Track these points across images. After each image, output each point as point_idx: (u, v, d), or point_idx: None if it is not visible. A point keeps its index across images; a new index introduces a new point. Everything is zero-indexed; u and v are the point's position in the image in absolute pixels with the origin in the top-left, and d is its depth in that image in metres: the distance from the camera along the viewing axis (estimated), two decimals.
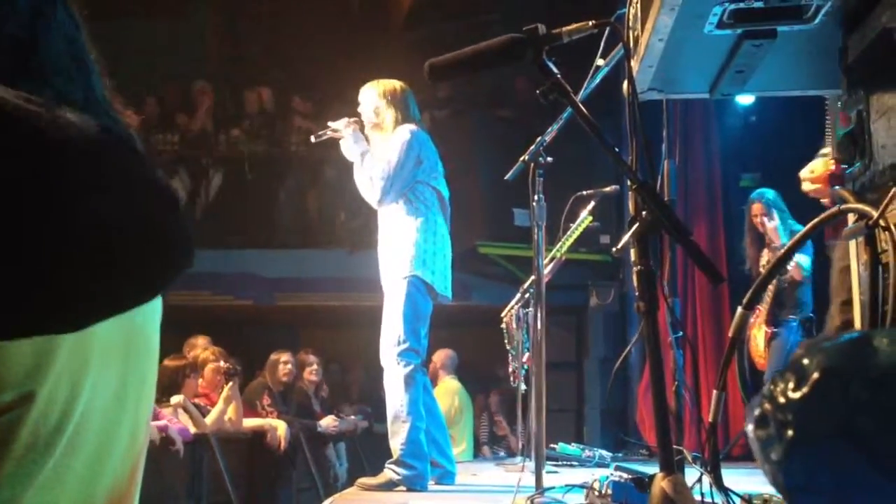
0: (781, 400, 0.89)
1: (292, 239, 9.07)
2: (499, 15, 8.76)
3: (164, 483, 4.93)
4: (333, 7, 10.36)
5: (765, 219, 5.52)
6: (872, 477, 0.83)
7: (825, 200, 3.09)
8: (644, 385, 7.45)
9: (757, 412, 0.92)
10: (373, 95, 4.29)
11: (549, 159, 3.53)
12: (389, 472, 4.03)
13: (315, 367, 7.50)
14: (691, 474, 2.08)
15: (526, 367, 5.60)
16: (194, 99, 9.35)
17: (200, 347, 6.17)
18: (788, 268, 5.27)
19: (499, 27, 8.09)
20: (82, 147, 0.94)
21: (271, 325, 9.48)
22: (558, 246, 5.09)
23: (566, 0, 5.90)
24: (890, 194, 1.64)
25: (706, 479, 1.93)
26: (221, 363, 5.95)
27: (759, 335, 5.67)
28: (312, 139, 4.47)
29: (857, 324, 2.03)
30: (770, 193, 5.60)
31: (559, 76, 1.81)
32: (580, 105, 1.83)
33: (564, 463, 5.45)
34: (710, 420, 1.90)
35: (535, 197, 3.52)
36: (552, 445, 5.50)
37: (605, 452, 5.75)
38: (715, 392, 1.91)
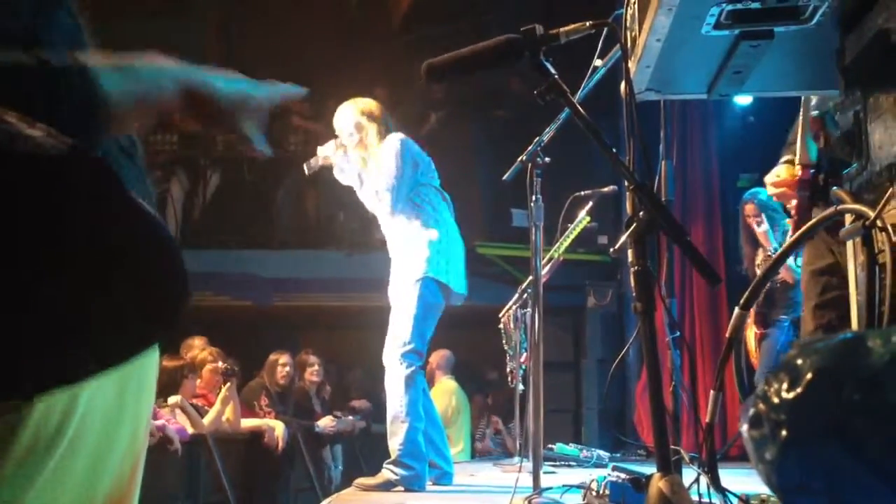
0: (775, 400, 0.89)
1: (291, 239, 9.07)
2: (496, 16, 8.77)
3: (161, 483, 4.93)
4: (331, 8, 10.37)
5: (755, 221, 5.53)
6: (865, 477, 0.83)
7: (792, 204, 3.11)
8: (642, 385, 7.45)
9: (751, 412, 0.92)
10: (351, 114, 4.31)
11: (547, 160, 3.54)
12: (387, 473, 4.03)
13: (316, 367, 7.51)
14: (689, 474, 2.09)
15: (524, 367, 5.60)
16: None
17: (198, 348, 6.17)
18: (779, 270, 5.28)
19: (496, 28, 8.10)
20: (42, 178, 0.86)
21: (269, 326, 9.47)
22: (556, 246, 5.09)
23: (564, 1, 5.91)
24: (887, 195, 1.64)
25: (703, 480, 1.93)
26: (219, 364, 5.95)
27: (749, 335, 5.68)
28: (306, 170, 4.48)
29: (854, 324, 2.04)
30: (763, 194, 5.60)
31: (557, 77, 1.81)
32: (578, 105, 1.84)
33: (562, 463, 5.45)
34: (707, 420, 1.90)
35: (533, 197, 3.52)
36: (550, 446, 5.50)
37: (602, 453, 5.75)
38: (712, 392, 1.91)
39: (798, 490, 0.88)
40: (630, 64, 2.12)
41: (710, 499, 1.93)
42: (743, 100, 6.38)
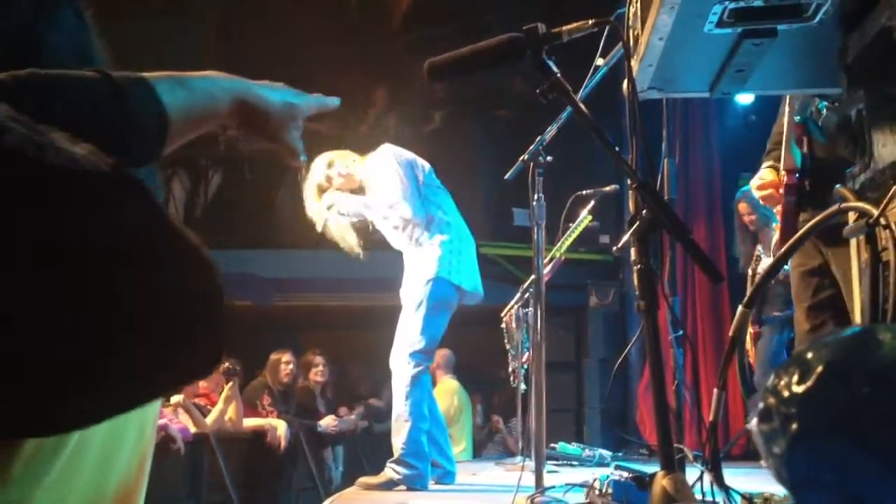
0: (785, 394, 0.89)
1: (291, 239, 9.06)
2: (497, 16, 8.76)
3: (164, 482, 4.93)
4: (332, 8, 10.36)
5: (749, 220, 5.51)
6: (876, 470, 0.83)
7: (777, 208, 3.11)
8: (644, 384, 7.46)
9: (761, 406, 0.92)
10: (316, 177, 4.35)
11: (549, 158, 3.53)
12: (390, 472, 4.03)
13: (321, 367, 7.50)
14: (692, 473, 2.08)
15: (525, 366, 5.60)
16: None
17: None
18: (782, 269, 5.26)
19: (498, 28, 8.09)
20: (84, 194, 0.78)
21: (271, 326, 9.48)
22: (558, 245, 5.08)
23: (566, 0, 5.91)
24: (890, 192, 1.64)
25: (707, 478, 1.93)
26: (224, 363, 5.95)
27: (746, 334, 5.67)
28: (319, 230, 4.47)
29: (858, 322, 2.03)
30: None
31: (559, 75, 1.81)
32: (580, 104, 1.83)
33: (565, 462, 5.45)
34: (710, 419, 1.90)
35: (535, 196, 3.52)
36: (552, 445, 5.50)
37: (605, 452, 5.75)
38: (715, 391, 1.91)
39: (808, 483, 0.88)
40: (632, 62, 2.12)
41: (713, 497, 1.93)
42: (745, 99, 6.37)
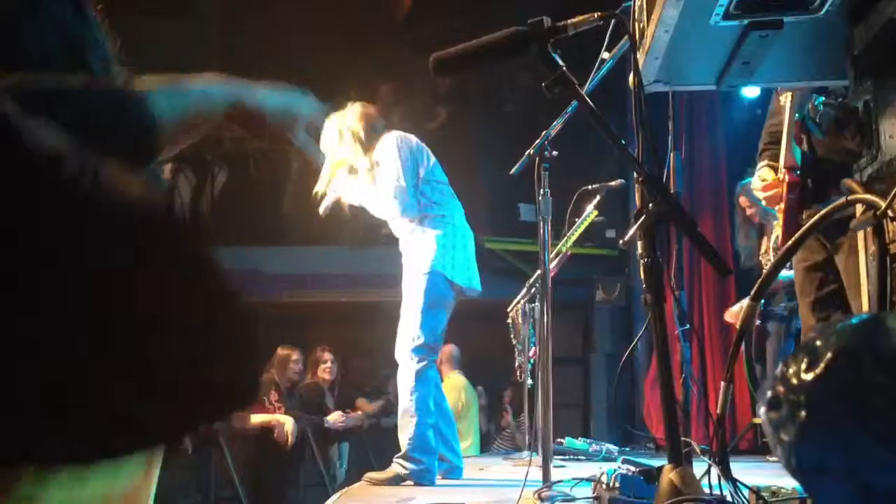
0: (794, 381, 0.89)
1: (298, 235, 9.07)
2: (502, 12, 8.75)
3: (172, 479, 4.94)
4: (336, 4, 10.36)
5: (752, 213, 5.49)
6: (885, 457, 0.83)
7: (779, 206, 3.11)
8: (651, 379, 7.45)
9: (769, 394, 0.92)
10: (355, 118, 4.23)
11: (555, 153, 3.53)
12: (397, 467, 4.04)
13: (329, 364, 7.51)
14: (699, 466, 2.08)
15: (532, 361, 5.60)
16: None
17: None
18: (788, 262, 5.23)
19: (503, 23, 8.06)
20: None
21: (277, 322, 9.48)
22: (564, 240, 5.08)
23: None
24: None
25: (714, 471, 1.93)
26: None
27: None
28: (321, 212, 4.41)
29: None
30: None
31: (564, 69, 1.80)
32: (586, 97, 1.83)
33: (571, 457, 5.44)
34: (718, 412, 1.89)
35: (541, 191, 3.51)
36: (559, 440, 5.50)
37: (612, 446, 5.74)
38: (723, 384, 1.91)
39: (817, 471, 0.88)
40: (638, 55, 2.12)
41: (721, 490, 1.93)
42: (751, 92, 6.36)
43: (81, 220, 0.73)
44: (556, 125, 3.56)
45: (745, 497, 1.90)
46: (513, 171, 3.69)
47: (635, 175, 1.74)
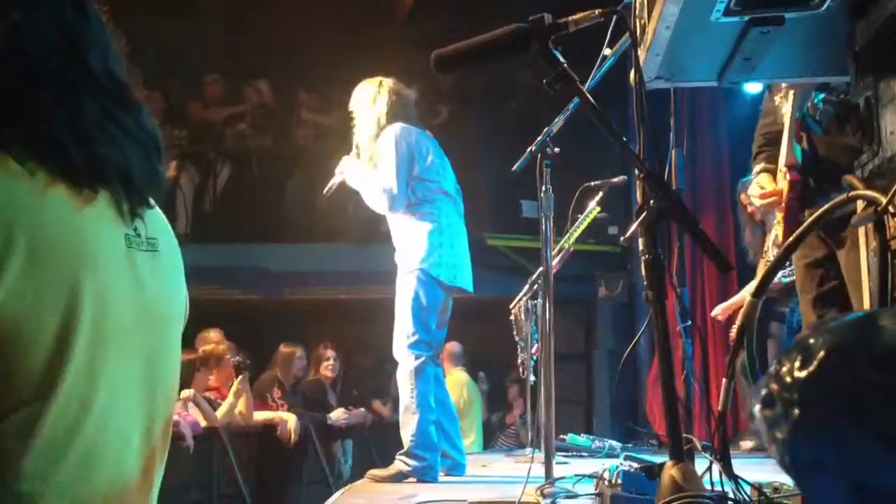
0: (788, 379, 0.89)
1: (301, 232, 9.07)
2: (502, 9, 8.73)
3: (175, 477, 4.95)
4: (337, 1, 10.35)
5: (754, 210, 5.47)
6: (879, 454, 0.83)
7: (779, 212, 3.11)
8: (653, 375, 7.44)
9: (763, 392, 0.93)
10: (385, 96, 4.24)
11: (557, 150, 3.52)
12: (400, 464, 4.04)
13: (331, 361, 7.51)
14: (701, 463, 2.08)
15: (535, 358, 5.60)
16: (205, 91, 9.38)
17: (213, 342, 6.18)
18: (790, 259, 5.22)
19: (503, 20, 8.05)
20: None
21: (280, 319, 9.50)
22: (566, 237, 5.08)
23: None
24: None
25: (716, 468, 1.93)
26: (234, 357, 5.96)
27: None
28: (325, 192, 4.44)
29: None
30: None
31: (566, 65, 1.80)
32: (587, 94, 1.83)
33: (574, 454, 5.44)
34: (719, 409, 1.90)
35: (543, 188, 3.51)
36: (561, 436, 5.50)
37: (614, 443, 5.74)
38: (724, 381, 1.91)
39: (811, 467, 0.89)
40: (639, 52, 2.12)
41: (722, 487, 1.93)
42: (753, 88, 6.34)
43: None
44: (558, 122, 3.56)
45: (746, 493, 1.91)
46: (515, 167, 3.69)
47: (636, 172, 1.74)
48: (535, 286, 5.25)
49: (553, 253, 3.75)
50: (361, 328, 8.30)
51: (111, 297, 1.21)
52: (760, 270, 5.45)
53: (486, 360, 9.11)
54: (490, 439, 8.72)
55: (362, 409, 7.68)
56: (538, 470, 3.26)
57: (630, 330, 8.14)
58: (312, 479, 6.60)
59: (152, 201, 1.35)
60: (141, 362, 1.27)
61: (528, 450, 5.48)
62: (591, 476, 3.10)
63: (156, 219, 1.37)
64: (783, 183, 3.08)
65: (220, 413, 5.63)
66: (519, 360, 6.01)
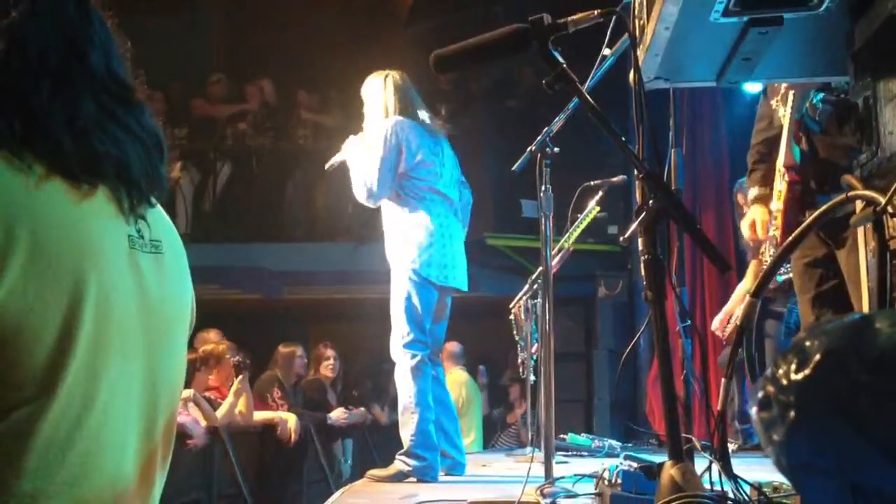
0: (784, 382, 0.90)
1: (300, 232, 9.08)
2: (501, 6, 8.74)
3: (175, 476, 4.95)
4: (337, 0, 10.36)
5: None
6: (873, 456, 0.84)
7: (779, 206, 3.11)
8: (653, 375, 7.45)
9: (760, 394, 0.93)
10: (391, 86, 4.25)
11: (556, 150, 3.53)
12: (399, 464, 4.04)
13: (332, 360, 7.51)
14: (701, 462, 2.08)
15: (534, 357, 5.60)
16: (210, 90, 9.39)
17: (213, 341, 6.19)
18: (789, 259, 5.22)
19: (502, 18, 8.08)
20: None
21: (280, 319, 9.51)
22: (566, 236, 5.08)
23: None
24: None
25: (715, 468, 1.93)
26: (234, 357, 5.96)
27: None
28: (327, 167, 4.44)
29: (866, 311, 2.03)
30: None
31: (565, 66, 1.80)
32: (586, 94, 1.83)
33: (574, 453, 5.45)
34: (718, 409, 1.90)
35: (543, 188, 3.51)
36: (561, 436, 5.50)
37: (614, 442, 5.75)
38: (724, 380, 1.91)
39: (806, 469, 0.89)
40: (639, 52, 2.12)
41: (722, 486, 1.93)
42: (752, 88, 6.34)
43: None
44: (558, 122, 3.56)
45: (746, 493, 1.91)
46: (515, 167, 3.69)
47: (636, 172, 1.74)
48: (535, 286, 5.25)
49: (553, 252, 3.75)
50: (361, 327, 8.30)
51: (114, 297, 1.21)
52: (752, 270, 5.46)
53: (485, 359, 9.12)
54: (491, 434, 8.72)
55: (362, 409, 7.69)
56: (538, 469, 3.26)
57: (630, 329, 8.14)
58: (312, 478, 6.61)
59: (154, 201, 1.36)
60: (143, 363, 1.27)
61: (528, 449, 5.48)
62: (590, 476, 3.11)
63: (160, 220, 1.37)
64: (782, 184, 3.08)
65: (220, 413, 5.63)
66: (519, 360, 6.01)
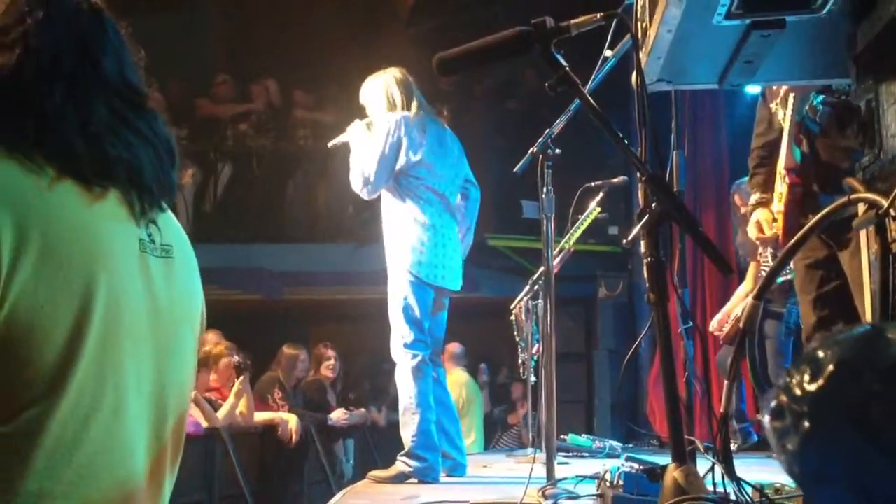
0: (797, 392, 0.91)
1: (301, 233, 9.08)
2: (503, 8, 8.74)
3: (176, 477, 4.95)
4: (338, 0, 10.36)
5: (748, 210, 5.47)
6: (886, 466, 0.85)
7: (780, 207, 3.12)
8: (654, 375, 7.46)
9: (773, 403, 0.94)
10: (373, 88, 4.26)
11: (558, 151, 3.52)
12: (401, 465, 4.04)
13: (332, 361, 7.51)
14: (703, 464, 2.09)
15: (535, 358, 5.61)
16: (215, 91, 9.39)
17: (212, 342, 6.19)
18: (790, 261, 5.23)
19: (503, 19, 8.09)
20: None
21: (280, 320, 9.50)
22: (567, 237, 5.08)
23: None
24: None
25: (718, 469, 1.94)
26: (233, 357, 5.96)
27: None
28: (329, 145, 4.44)
29: (868, 313, 2.03)
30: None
31: (568, 69, 1.81)
32: (589, 98, 1.83)
33: (575, 454, 5.45)
34: (721, 411, 1.90)
35: (544, 189, 3.51)
36: (562, 437, 5.50)
37: (615, 443, 5.75)
38: (726, 383, 1.92)
39: (819, 478, 0.90)
40: (641, 55, 2.12)
41: (724, 488, 1.94)
42: (754, 89, 6.35)
43: None
44: (560, 123, 3.56)
45: (748, 495, 1.91)
46: (516, 169, 3.69)
47: (638, 174, 1.74)
48: (536, 286, 5.26)
49: (553, 253, 3.76)
50: (361, 328, 8.31)
51: (123, 299, 1.22)
52: (752, 272, 5.47)
53: (486, 360, 9.12)
54: (492, 433, 8.73)
55: (363, 410, 7.69)
56: (539, 470, 3.26)
57: (630, 330, 8.15)
58: (313, 479, 6.61)
59: (165, 206, 1.37)
60: (152, 364, 1.28)
61: (530, 450, 5.49)
62: (592, 477, 3.11)
63: (171, 226, 1.39)
64: (782, 186, 3.09)
65: (221, 414, 5.64)
66: (520, 361, 6.02)
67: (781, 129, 3.16)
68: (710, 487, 1.90)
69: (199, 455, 5.21)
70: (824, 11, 1.95)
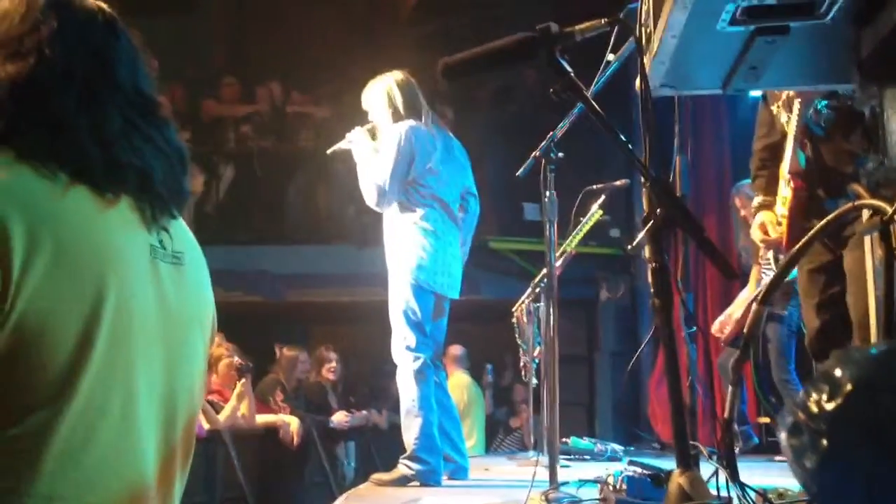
0: (815, 410, 0.91)
1: (302, 235, 9.08)
2: (505, 10, 8.75)
3: None
4: (340, 1, 10.36)
5: (749, 213, 5.48)
6: None
7: (783, 211, 3.12)
8: (655, 378, 7.45)
9: (790, 421, 0.95)
10: (395, 88, 4.24)
11: (560, 155, 3.52)
12: (403, 468, 4.04)
13: (334, 363, 7.51)
14: (707, 468, 2.09)
15: (537, 361, 5.61)
16: (220, 93, 9.40)
17: (214, 344, 6.18)
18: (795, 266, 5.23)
19: (506, 22, 8.08)
20: None
21: (281, 321, 9.50)
22: (569, 240, 5.09)
23: None
24: None
25: (722, 474, 1.94)
26: (234, 359, 5.97)
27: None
28: (328, 152, 4.44)
29: (872, 320, 2.04)
30: (748, 184, 5.56)
31: (572, 74, 1.81)
32: (593, 103, 1.83)
33: (576, 457, 5.45)
34: (725, 415, 1.90)
35: (547, 193, 3.51)
36: (564, 440, 5.50)
37: (617, 446, 5.74)
38: (730, 388, 1.92)
39: (837, 496, 0.90)
40: (645, 60, 2.12)
41: (728, 493, 1.94)
42: (755, 92, 6.35)
43: None
44: (562, 127, 3.56)
45: (752, 499, 1.91)
46: (519, 172, 3.69)
47: (642, 179, 1.74)
48: (538, 289, 5.26)
49: (556, 256, 3.75)
50: (362, 330, 8.31)
51: (133, 304, 1.23)
52: (754, 275, 5.47)
53: (488, 362, 9.12)
54: (494, 434, 8.72)
55: (364, 412, 7.69)
56: (542, 474, 3.26)
57: (632, 332, 8.15)
58: (315, 481, 6.61)
59: (177, 213, 1.38)
60: (161, 368, 1.29)
61: (532, 453, 5.49)
62: (595, 481, 3.11)
63: (183, 233, 1.40)
64: (787, 190, 3.09)
65: (222, 416, 5.64)
66: (521, 363, 6.02)
67: (783, 132, 3.16)
68: (714, 492, 1.90)
69: (200, 457, 5.21)
70: (828, 18, 1.95)
